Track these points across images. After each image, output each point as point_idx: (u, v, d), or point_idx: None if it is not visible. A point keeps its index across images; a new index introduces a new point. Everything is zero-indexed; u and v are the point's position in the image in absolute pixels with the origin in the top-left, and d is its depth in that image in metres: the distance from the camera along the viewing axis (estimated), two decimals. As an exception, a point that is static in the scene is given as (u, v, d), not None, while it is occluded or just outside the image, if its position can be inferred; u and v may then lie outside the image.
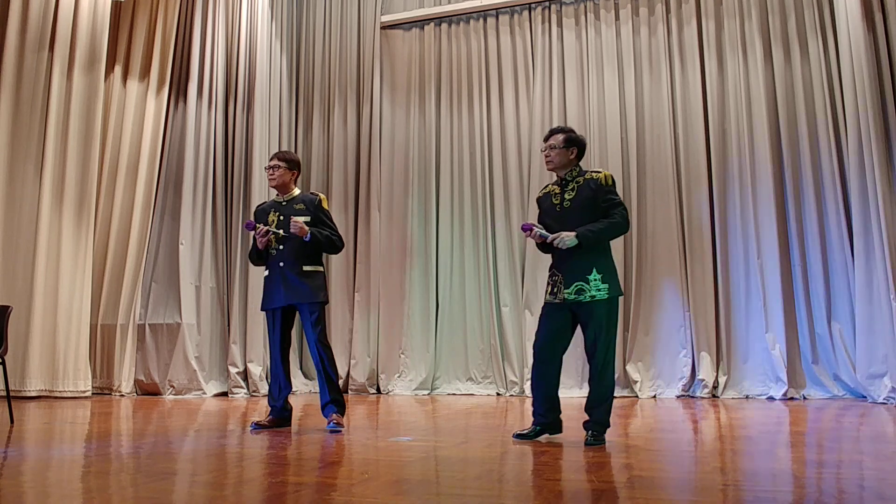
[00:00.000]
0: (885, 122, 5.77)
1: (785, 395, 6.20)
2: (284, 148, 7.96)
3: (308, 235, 4.03)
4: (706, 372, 6.50)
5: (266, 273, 4.19)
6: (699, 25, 7.12)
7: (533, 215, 4.30)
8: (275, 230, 4.11)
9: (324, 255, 4.41)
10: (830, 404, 5.66)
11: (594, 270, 3.44)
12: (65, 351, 6.18)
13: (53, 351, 6.14)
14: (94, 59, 6.60)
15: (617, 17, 7.43)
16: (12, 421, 4.31)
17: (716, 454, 3.09)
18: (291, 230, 4.03)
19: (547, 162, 3.66)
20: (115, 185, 7.17)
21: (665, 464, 2.82)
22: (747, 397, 6.34)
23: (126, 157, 7.20)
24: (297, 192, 4.29)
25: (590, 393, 3.51)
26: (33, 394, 5.95)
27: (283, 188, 4.25)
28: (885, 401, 5.50)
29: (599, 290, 3.43)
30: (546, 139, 3.68)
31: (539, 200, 3.80)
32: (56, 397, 6.09)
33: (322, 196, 4.27)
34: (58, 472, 2.70)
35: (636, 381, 6.67)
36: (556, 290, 3.52)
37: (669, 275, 6.82)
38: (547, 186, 3.81)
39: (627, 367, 6.75)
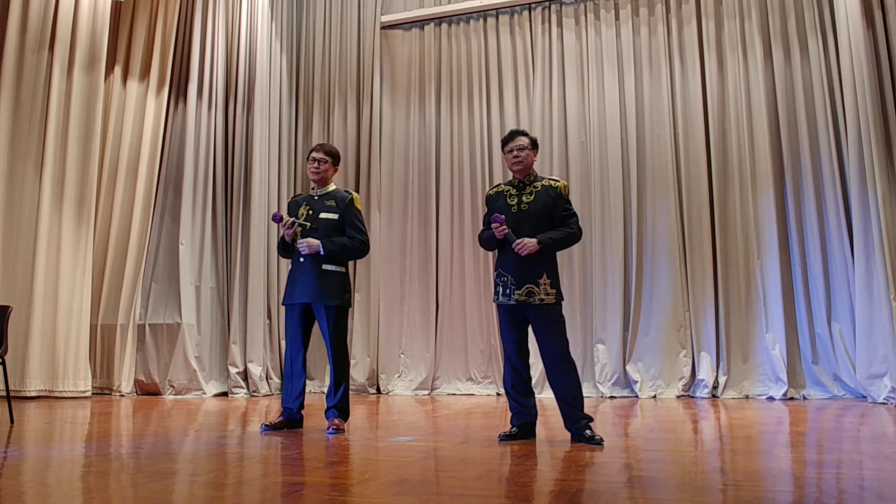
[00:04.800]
0: (885, 122, 5.77)
1: (785, 395, 6.20)
2: (285, 148, 7.97)
3: (322, 250, 3.98)
4: (706, 372, 6.50)
5: (290, 267, 4.17)
6: (699, 25, 7.12)
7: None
8: (301, 222, 4.07)
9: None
10: (830, 404, 5.66)
11: (544, 275, 3.55)
12: (65, 351, 6.18)
13: (53, 351, 6.13)
14: (94, 59, 6.59)
15: (617, 17, 7.43)
16: (12, 421, 4.31)
17: (716, 454, 3.09)
18: (302, 252, 3.99)
19: (516, 163, 3.67)
20: (115, 185, 7.17)
21: (665, 464, 2.82)
22: (747, 397, 6.34)
23: (126, 157, 7.20)
24: (332, 187, 4.23)
25: (561, 394, 3.51)
26: (33, 394, 5.95)
27: (322, 182, 4.19)
28: (885, 401, 5.50)
29: (548, 293, 3.54)
30: (508, 141, 3.71)
31: (490, 199, 3.82)
32: (56, 397, 6.09)
33: (355, 195, 4.19)
34: (58, 472, 2.70)
35: (636, 381, 6.67)
36: (507, 290, 3.59)
37: (669, 275, 6.82)
38: (499, 186, 3.85)
39: (627, 367, 6.76)
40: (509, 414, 3.70)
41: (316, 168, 4.16)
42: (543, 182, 3.69)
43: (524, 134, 3.73)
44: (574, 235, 3.62)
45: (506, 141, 3.73)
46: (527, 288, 3.53)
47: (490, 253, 7.39)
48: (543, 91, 7.57)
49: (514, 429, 3.59)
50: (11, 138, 6.02)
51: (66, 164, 6.36)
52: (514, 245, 3.53)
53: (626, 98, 7.25)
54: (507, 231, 3.55)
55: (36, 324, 6.02)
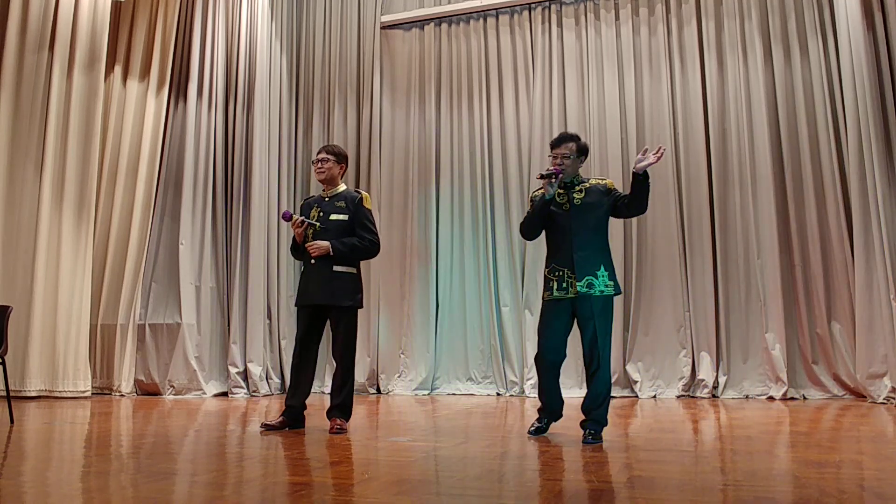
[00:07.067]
0: (885, 122, 5.77)
1: (785, 395, 6.20)
2: (285, 148, 7.96)
3: (331, 251, 3.98)
4: (706, 372, 6.50)
5: (303, 269, 4.17)
6: (699, 25, 7.11)
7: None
8: (311, 221, 4.07)
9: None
10: (830, 404, 5.66)
11: (602, 267, 3.59)
12: (65, 351, 6.18)
13: (53, 351, 6.13)
14: (94, 59, 6.59)
15: (617, 17, 7.43)
16: (12, 421, 4.31)
17: (716, 454, 3.09)
18: (312, 254, 4.00)
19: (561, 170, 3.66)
20: (115, 185, 7.17)
21: (665, 464, 2.82)
22: (747, 397, 6.34)
23: (126, 157, 7.20)
24: (342, 187, 4.23)
25: (589, 392, 3.57)
26: (33, 394, 5.95)
27: (330, 182, 4.19)
28: (885, 401, 5.50)
29: (607, 285, 3.58)
30: (556, 146, 3.70)
31: (536, 199, 3.81)
32: (56, 397, 6.09)
33: (365, 194, 4.20)
34: (58, 472, 2.70)
35: (636, 381, 6.67)
36: (564, 284, 3.58)
37: (669, 275, 6.81)
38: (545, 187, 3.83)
39: (627, 367, 6.75)
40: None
41: (320, 168, 4.17)
42: (591, 181, 3.74)
43: (572, 139, 3.71)
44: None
45: (553, 145, 3.73)
46: (587, 280, 3.55)
47: (490, 254, 7.40)
48: (543, 91, 7.57)
49: (546, 420, 3.75)
50: (11, 138, 6.02)
51: (66, 164, 6.36)
52: (644, 164, 3.54)
53: (626, 98, 7.25)
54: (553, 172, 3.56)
55: (36, 324, 6.02)
